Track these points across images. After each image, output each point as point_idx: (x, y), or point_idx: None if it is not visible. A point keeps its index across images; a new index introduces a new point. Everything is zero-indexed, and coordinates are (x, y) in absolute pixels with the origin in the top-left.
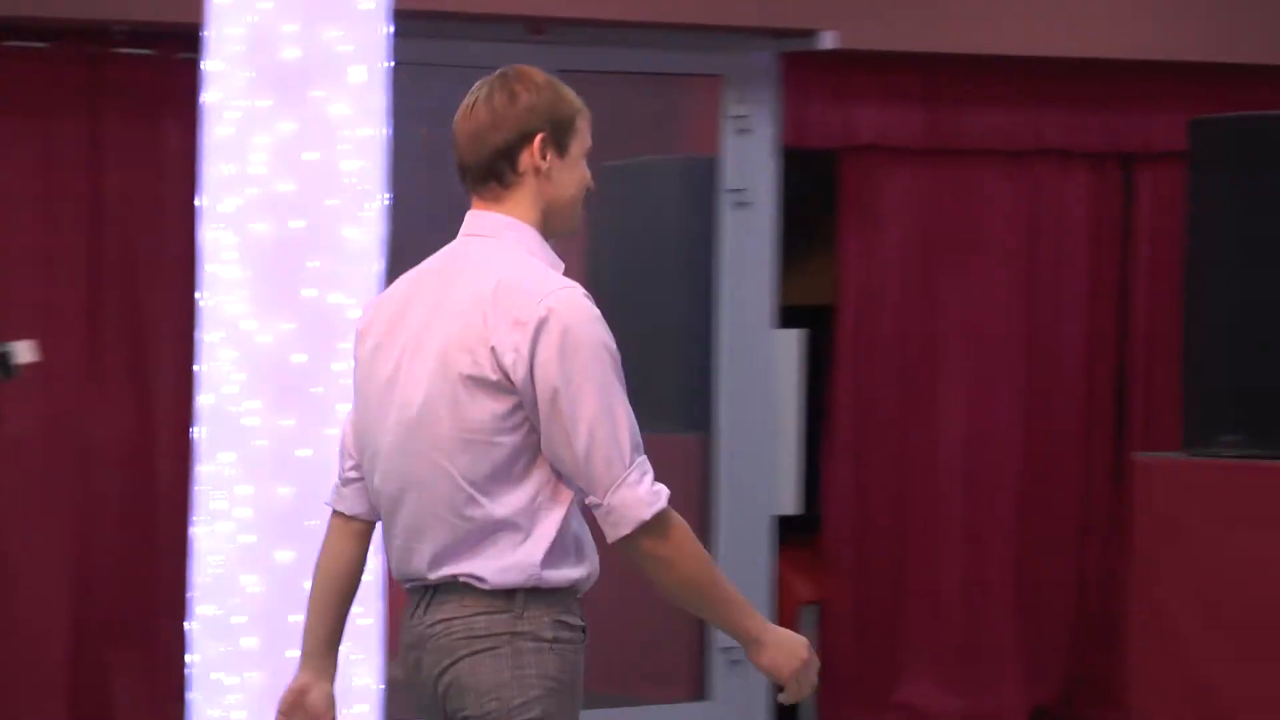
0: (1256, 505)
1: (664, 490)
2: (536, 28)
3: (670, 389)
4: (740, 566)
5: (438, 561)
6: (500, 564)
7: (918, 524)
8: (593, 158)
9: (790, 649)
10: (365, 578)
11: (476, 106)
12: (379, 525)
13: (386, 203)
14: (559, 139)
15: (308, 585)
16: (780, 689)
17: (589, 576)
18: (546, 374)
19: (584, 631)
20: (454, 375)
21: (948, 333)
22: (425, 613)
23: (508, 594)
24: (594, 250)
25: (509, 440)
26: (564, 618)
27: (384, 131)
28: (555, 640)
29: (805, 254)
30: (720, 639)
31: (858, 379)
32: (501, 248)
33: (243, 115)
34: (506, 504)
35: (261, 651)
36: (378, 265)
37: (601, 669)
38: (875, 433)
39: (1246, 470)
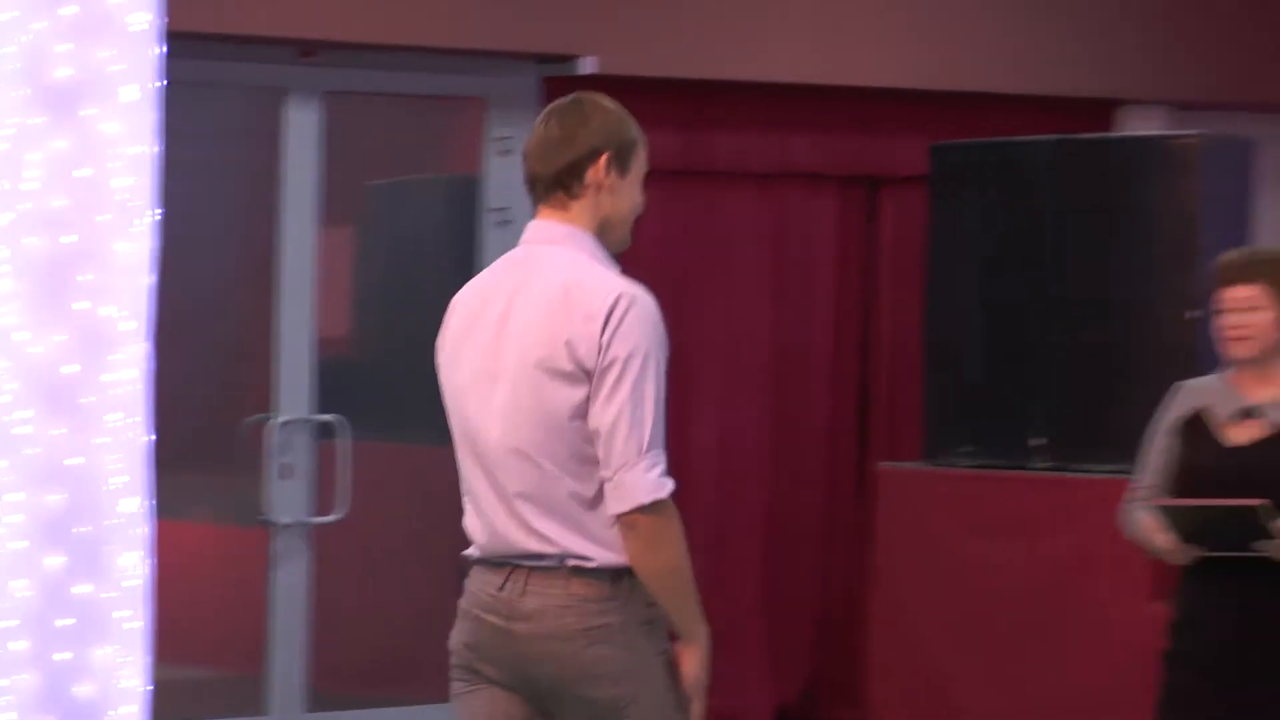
0: (989, 512)
1: (669, 484)
2: (308, 50)
3: (433, 400)
4: None
5: (531, 539)
6: (599, 544)
7: None
8: (361, 175)
9: (707, 660)
10: (132, 581)
11: (550, 124)
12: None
13: (157, 218)
14: (622, 160)
15: (76, 590)
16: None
17: None
18: (610, 348)
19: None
20: (533, 367)
21: (700, 345)
22: (521, 590)
23: (614, 575)
24: (362, 264)
25: (584, 425)
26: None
27: (155, 149)
28: (649, 619)
29: None
30: None
31: None
32: (566, 253)
33: (16, 132)
34: (591, 483)
35: (30, 655)
36: (148, 278)
37: (354, 669)
38: None
39: (981, 479)
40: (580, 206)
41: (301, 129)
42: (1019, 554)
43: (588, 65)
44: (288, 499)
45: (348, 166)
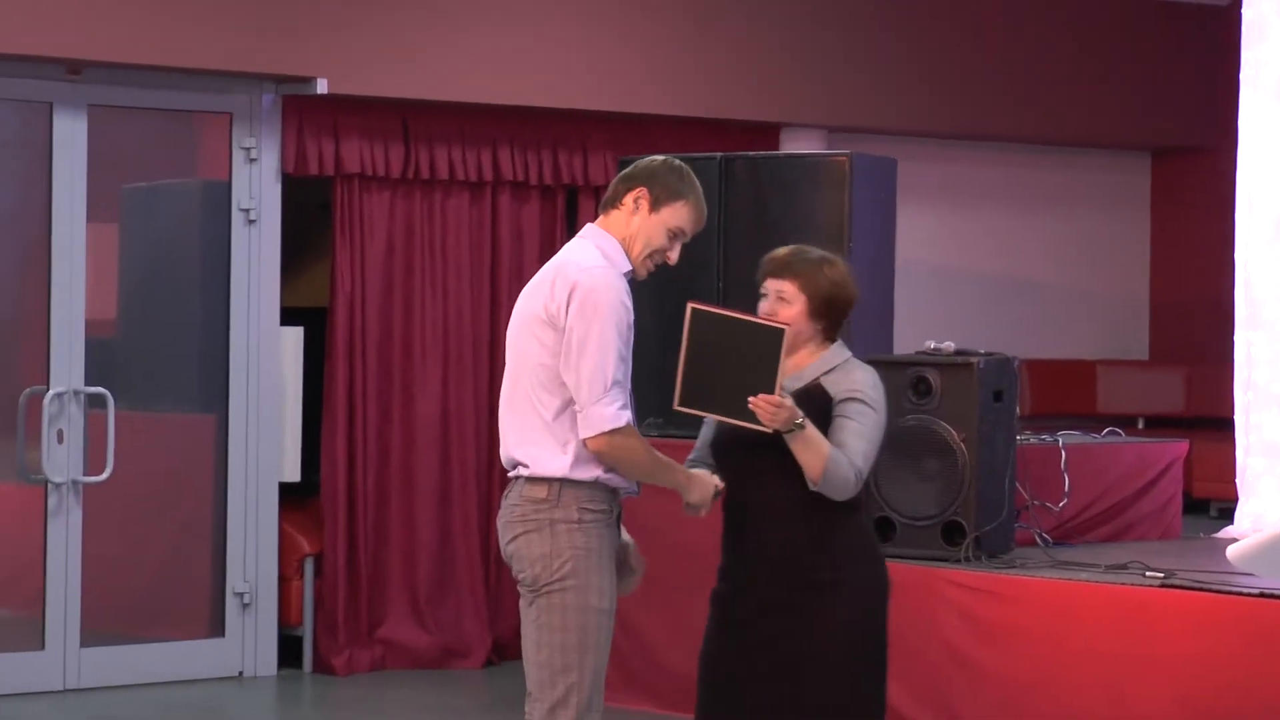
0: None
1: (626, 415)
2: (74, 69)
3: (192, 377)
4: (250, 525)
5: (510, 454)
6: (545, 460)
7: (399, 488)
8: (123, 180)
9: (703, 483)
10: None
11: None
12: None
13: None
14: (654, 199)
15: None
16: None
17: (611, 476)
18: (572, 319)
19: (608, 513)
20: (531, 318)
21: (423, 331)
22: (507, 494)
23: (549, 483)
24: (126, 259)
25: (554, 363)
26: (588, 504)
27: None
28: (579, 520)
29: (308, 263)
30: (234, 583)
31: (349, 368)
32: (583, 244)
33: None
34: (551, 409)
35: None
36: None
37: (121, 610)
38: (364, 412)
39: (664, 446)
40: (612, 218)
41: (69, 138)
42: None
43: (321, 86)
44: (61, 461)
45: (111, 171)
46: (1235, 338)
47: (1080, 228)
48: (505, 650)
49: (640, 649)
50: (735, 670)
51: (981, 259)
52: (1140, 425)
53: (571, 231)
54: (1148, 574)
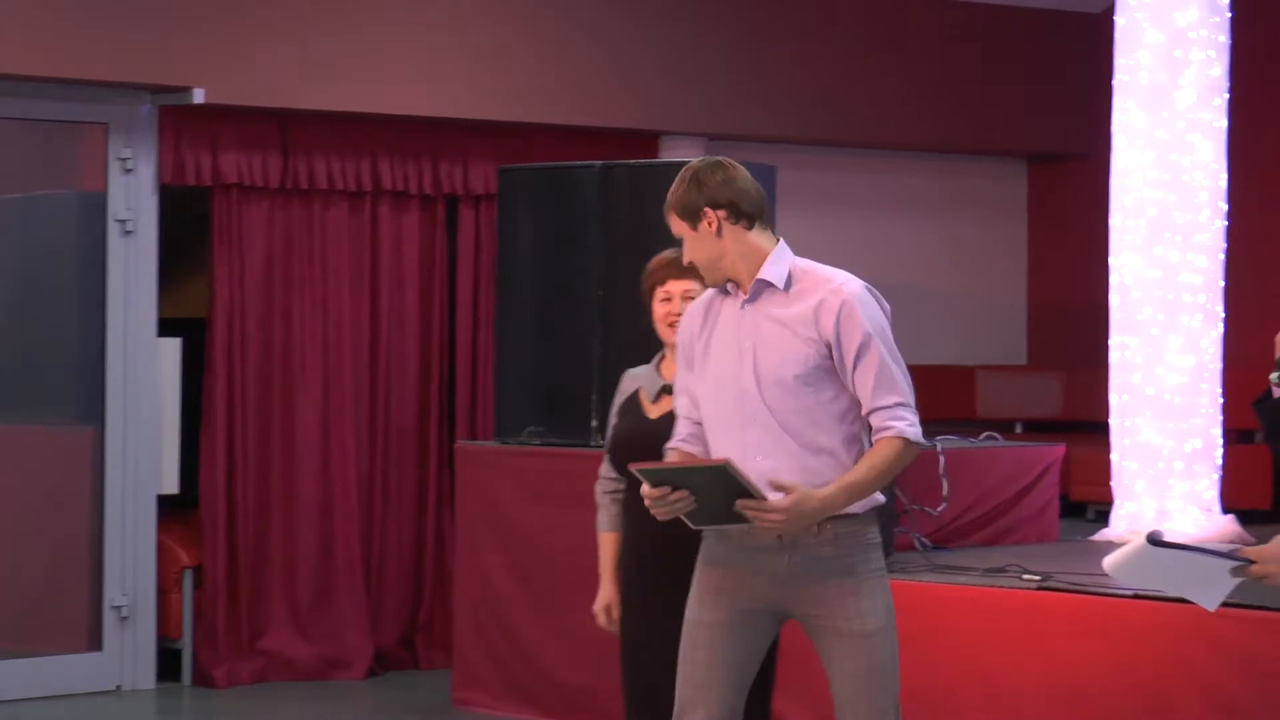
0: (552, 484)
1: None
2: None
3: (68, 389)
4: (129, 537)
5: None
6: None
7: (280, 500)
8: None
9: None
10: None
11: None
12: None
13: None
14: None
15: None
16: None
17: None
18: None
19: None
20: None
21: (304, 342)
22: None
23: None
24: (1, 272)
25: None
26: None
27: None
28: None
29: (186, 274)
30: (112, 597)
31: (229, 379)
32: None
33: None
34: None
35: None
36: None
37: None
38: (243, 424)
39: (544, 456)
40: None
41: None
42: (574, 520)
43: (198, 96)
44: None
45: None
46: (1110, 342)
47: (958, 234)
48: (387, 660)
49: (520, 653)
50: (652, 662)
51: (860, 265)
52: (1018, 430)
53: (453, 241)
54: (1025, 577)
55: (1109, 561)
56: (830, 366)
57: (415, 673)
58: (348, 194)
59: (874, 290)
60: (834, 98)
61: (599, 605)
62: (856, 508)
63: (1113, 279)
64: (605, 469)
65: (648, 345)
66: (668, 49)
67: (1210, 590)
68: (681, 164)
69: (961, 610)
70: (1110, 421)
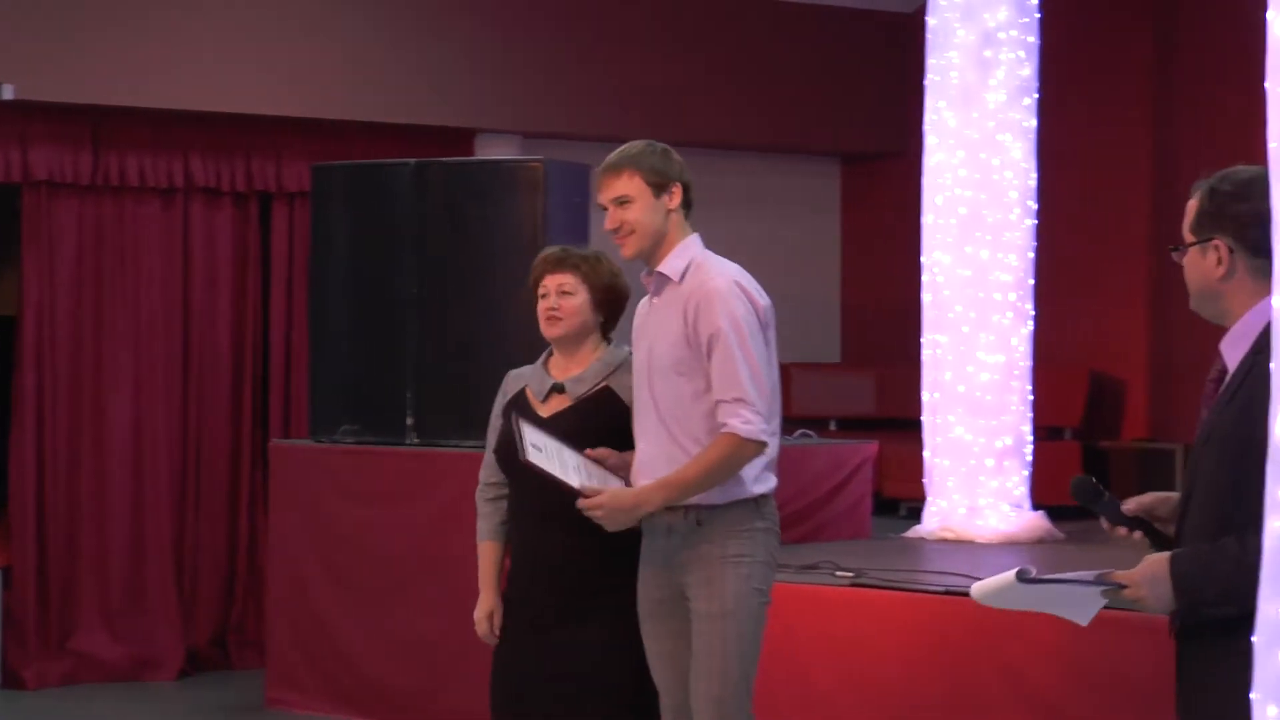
0: (366, 482)
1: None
2: None
3: None
4: None
5: None
6: None
7: (90, 499)
8: None
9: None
10: None
11: None
12: None
13: None
14: None
15: None
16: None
17: None
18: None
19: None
20: None
21: (115, 340)
22: None
23: None
24: None
25: None
26: None
27: None
28: None
29: None
30: None
31: (38, 377)
32: None
33: None
34: None
35: None
36: None
37: None
38: (53, 423)
39: (359, 454)
40: None
41: None
42: (391, 518)
43: (7, 92)
44: None
45: None
46: (922, 340)
47: (771, 233)
48: (200, 661)
49: (336, 653)
50: (530, 673)
51: None
52: (832, 427)
53: (267, 239)
54: (838, 573)
55: (977, 589)
56: (697, 358)
57: (228, 673)
58: (160, 191)
59: (749, 287)
60: (648, 96)
61: (480, 613)
62: (715, 497)
63: (925, 277)
64: (486, 473)
65: (465, 342)
66: (482, 46)
67: (1080, 609)
68: (499, 162)
69: (775, 607)
70: (923, 419)
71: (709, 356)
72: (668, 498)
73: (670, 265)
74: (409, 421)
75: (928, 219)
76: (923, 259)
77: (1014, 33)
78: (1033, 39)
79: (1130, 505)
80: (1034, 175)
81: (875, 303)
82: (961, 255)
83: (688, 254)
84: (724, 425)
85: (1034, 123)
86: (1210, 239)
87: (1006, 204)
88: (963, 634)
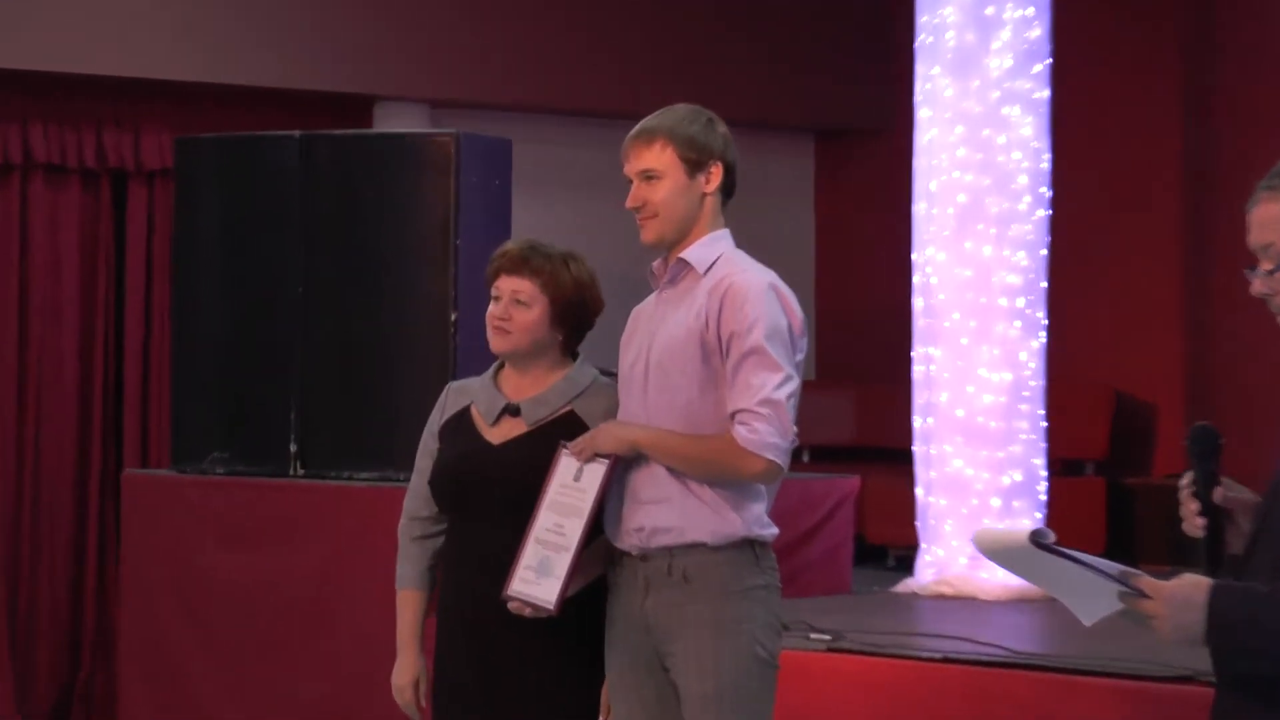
0: (240, 521)
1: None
2: None
3: None
4: None
5: None
6: None
7: None
8: None
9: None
10: None
11: None
12: None
13: None
14: None
15: None
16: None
17: None
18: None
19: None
20: None
21: None
22: None
23: None
24: None
25: None
26: None
27: None
28: None
29: None
30: None
31: None
32: None
33: None
34: None
35: None
36: None
37: None
38: None
39: (231, 487)
40: None
41: None
42: (271, 563)
43: None
44: None
45: None
46: (913, 354)
47: (730, 223)
48: None
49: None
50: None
51: (615, 255)
52: (805, 458)
53: (121, 225)
54: (812, 635)
55: (980, 535)
56: (705, 363)
57: None
58: None
59: (787, 295)
60: (577, 60)
61: (402, 679)
62: (705, 535)
63: (916, 278)
64: (415, 506)
65: (361, 354)
66: (386, 3)
67: (1089, 604)
68: (402, 136)
69: None
70: (913, 449)
71: (726, 356)
72: (651, 444)
73: (695, 254)
74: (292, 449)
75: (919, 208)
76: (913, 256)
77: None
78: None
79: (1219, 494)
80: (1047, 156)
81: (855, 308)
82: (960, 252)
83: (718, 247)
84: (737, 435)
85: (1046, 93)
86: None
87: (1014, 191)
88: (960, 709)
